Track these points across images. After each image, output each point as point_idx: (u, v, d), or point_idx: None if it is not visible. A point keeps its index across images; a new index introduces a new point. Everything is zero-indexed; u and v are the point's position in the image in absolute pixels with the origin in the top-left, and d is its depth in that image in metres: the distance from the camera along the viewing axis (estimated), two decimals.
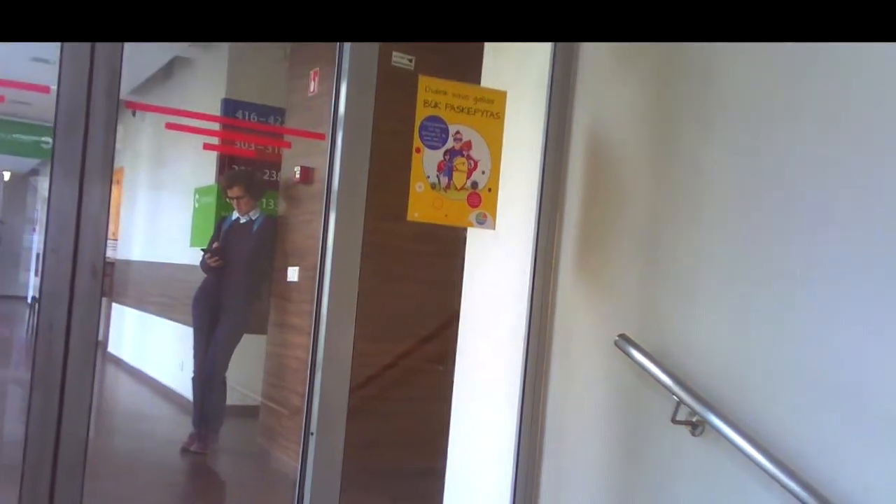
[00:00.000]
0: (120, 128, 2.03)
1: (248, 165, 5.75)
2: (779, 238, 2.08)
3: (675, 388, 2.20)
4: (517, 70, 2.90)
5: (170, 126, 2.50)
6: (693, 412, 2.17)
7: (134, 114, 7.74)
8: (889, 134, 1.86)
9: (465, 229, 3.14)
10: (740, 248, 2.19)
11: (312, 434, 2.39)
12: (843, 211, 1.94)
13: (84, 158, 1.97)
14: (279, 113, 5.70)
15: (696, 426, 2.20)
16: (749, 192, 2.18)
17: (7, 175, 15.02)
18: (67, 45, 1.95)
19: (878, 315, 1.84)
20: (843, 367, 1.90)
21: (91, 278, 1.97)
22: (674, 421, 2.21)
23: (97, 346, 1.99)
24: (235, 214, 5.22)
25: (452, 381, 3.22)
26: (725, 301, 2.21)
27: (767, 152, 2.14)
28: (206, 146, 2.51)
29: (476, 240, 3.16)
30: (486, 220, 2.62)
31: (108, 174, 1.99)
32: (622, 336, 2.39)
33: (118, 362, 8.02)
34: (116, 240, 8.35)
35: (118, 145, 2.02)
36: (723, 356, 2.20)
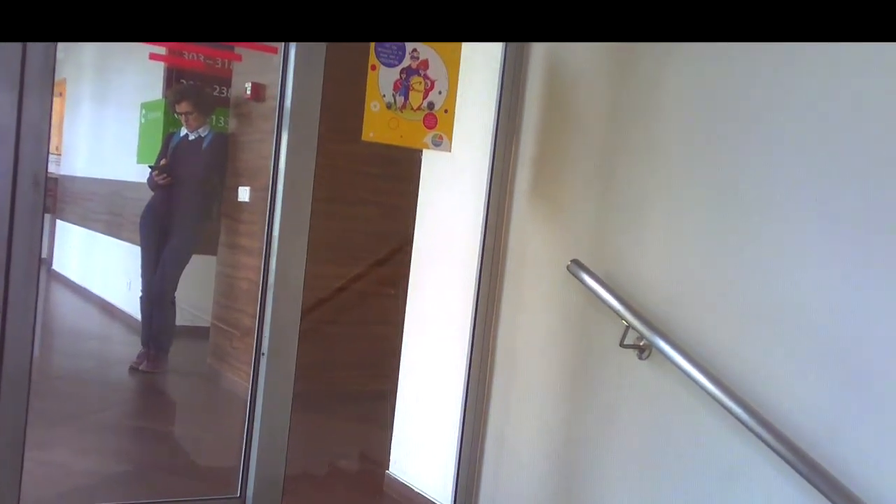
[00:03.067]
0: None
1: (196, 80, 5.56)
2: (732, 171, 2.09)
3: (625, 313, 2.23)
4: None
5: None
6: (641, 336, 2.21)
7: None
8: (847, 67, 1.86)
9: (420, 151, 3.11)
10: (694, 179, 2.20)
11: (264, 355, 2.38)
12: (799, 144, 1.95)
13: (23, 67, 1.89)
14: None
15: (644, 350, 2.25)
16: (705, 124, 2.18)
17: None
18: None
19: (827, 248, 1.87)
20: (790, 298, 1.94)
21: (33, 190, 1.90)
22: (622, 345, 2.26)
23: (41, 260, 1.93)
24: (184, 131, 5.08)
25: (404, 305, 3.23)
26: (676, 230, 2.23)
27: (724, 84, 2.13)
28: (153, 56, 2.41)
29: (431, 163, 3.13)
30: (442, 141, 2.58)
31: (49, 83, 1.91)
32: (574, 261, 2.41)
33: (64, 281, 7.86)
34: (60, 154, 8.08)
35: (60, 55, 1.93)
36: (672, 284, 2.24)
